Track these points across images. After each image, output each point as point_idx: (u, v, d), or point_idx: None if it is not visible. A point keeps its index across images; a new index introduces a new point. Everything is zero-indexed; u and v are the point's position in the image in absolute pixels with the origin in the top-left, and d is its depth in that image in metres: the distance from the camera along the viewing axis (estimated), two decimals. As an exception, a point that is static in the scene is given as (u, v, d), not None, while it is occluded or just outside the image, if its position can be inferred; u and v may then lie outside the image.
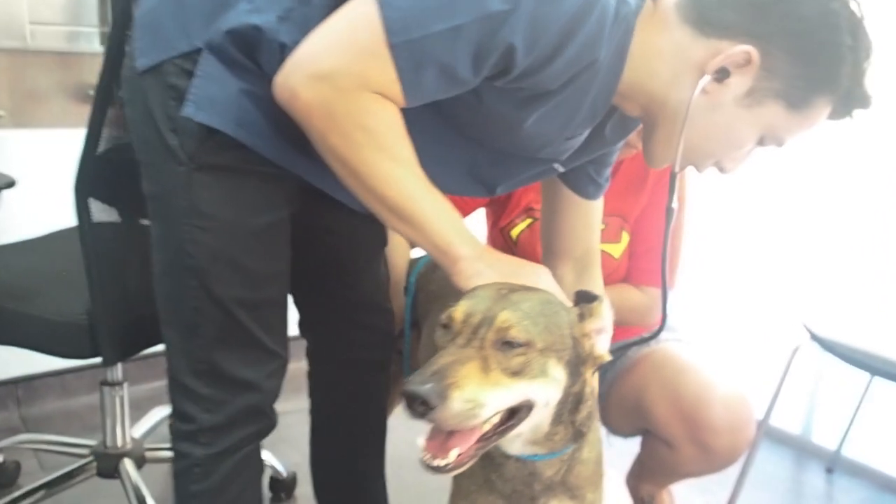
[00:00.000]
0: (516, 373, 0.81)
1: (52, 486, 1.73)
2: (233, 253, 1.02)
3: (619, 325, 1.65)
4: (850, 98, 0.95)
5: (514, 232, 1.67)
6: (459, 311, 0.85)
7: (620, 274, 1.66)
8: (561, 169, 1.16)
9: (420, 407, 0.74)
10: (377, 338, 1.38)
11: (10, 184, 1.27)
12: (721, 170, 1.05)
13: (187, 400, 1.08)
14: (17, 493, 1.73)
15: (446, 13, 0.82)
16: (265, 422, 1.11)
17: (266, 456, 1.89)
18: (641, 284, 1.65)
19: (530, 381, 0.82)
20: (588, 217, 1.28)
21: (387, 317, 1.39)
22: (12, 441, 1.89)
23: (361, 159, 0.89)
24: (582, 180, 1.24)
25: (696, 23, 0.93)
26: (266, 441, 1.16)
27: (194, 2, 0.98)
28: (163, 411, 2.00)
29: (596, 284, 1.32)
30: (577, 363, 0.87)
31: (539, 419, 0.88)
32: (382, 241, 1.35)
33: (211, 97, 0.97)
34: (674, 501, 1.78)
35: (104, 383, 1.69)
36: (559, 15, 0.84)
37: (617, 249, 1.64)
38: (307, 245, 1.22)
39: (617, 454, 1.70)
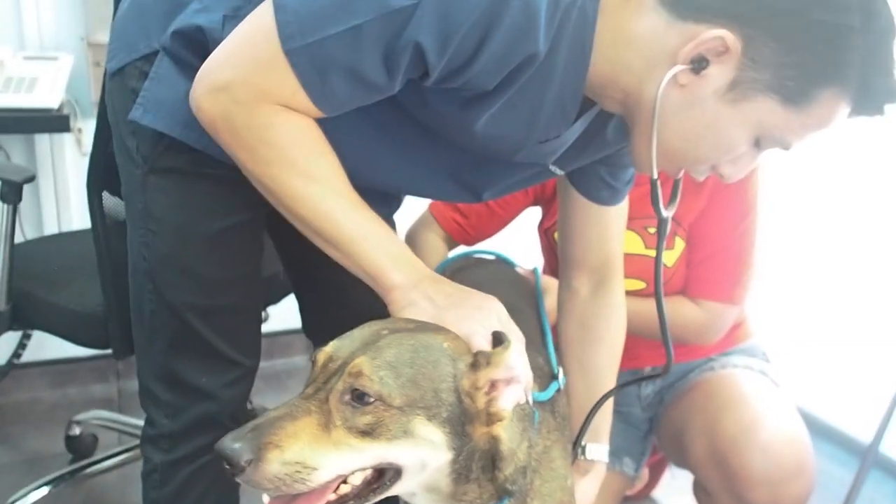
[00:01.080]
0: (367, 432, 0.69)
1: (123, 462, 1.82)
2: (183, 258, 0.99)
3: (674, 343, 1.51)
4: (869, 90, 0.76)
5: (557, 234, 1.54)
6: (323, 353, 0.74)
7: (675, 285, 1.47)
8: (559, 171, 1.03)
9: (230, 467, 0.64)
10: None
11: (31, 178, 1.33)
12: (720, 176, 0.88)
13: (151, 404, 1.07)
14: (84, 462, 1.84)
15: (344, 13, 0.73)
16: (218, 433, 1.07)
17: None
18: (699, 297, 1.46)
19: (389, 443, 0.70)
20: (604, 225, 1.13)
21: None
22: (87, 416, 2.01)
23: (270, 176, 0.82)
24: (593, 184, 1.10)
25: (672, 4, 0.78)
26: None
27: (153, 3, 0.96)
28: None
29: (615, 299, 1.18)
30: (462, 421, 0.73)
31: (427, 481, 0.76)
32: None
33: (159, 100, 0.94)
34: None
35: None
36: (470, 9, 0.73)
37: (670, 257, 1.46)
38: (299, 245, 1.17)
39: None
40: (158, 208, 0.98)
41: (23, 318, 1.44)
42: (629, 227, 1.45)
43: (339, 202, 0.83)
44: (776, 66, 0.76)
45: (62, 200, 2.13)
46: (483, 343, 0.78)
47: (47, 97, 1.84)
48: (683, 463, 1.47)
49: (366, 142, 0.94)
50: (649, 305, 1.44)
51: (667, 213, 0.92)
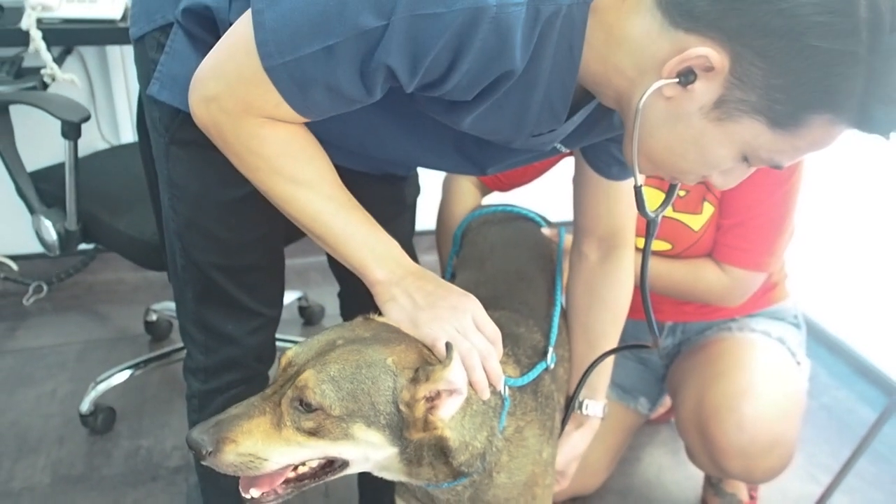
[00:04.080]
0: (312, 433, 0.79)
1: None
2: (204, 223, 1.07)
3: (696, 303, 1.52)
4: (871, 119, 0.71)
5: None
6: (285, 357, 0.83)
7: (702, 248, 1.47)
8: (564, 149, 1.03)
9: (195, 453, 0.77)
10: None
11: (87, 117, 1.42)
12: (713, 185, 0.86)
13: (189, 341, 1.20)
14: (161, 351, 2.06)
15: (319, 33, 0.75)
16: (246, 372, 1.20)
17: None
18: (725, 263, 1.45)
19: (333, 442, 0.80)
20: (614, 199, 1.14)
21: None
22: (161, 306, 2.23)
23: (260, 181, 0.88)
24: (603, 160, 1.10)
25: (667, 9, 0.74)
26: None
27: None
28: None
29: (622, 267, 1.19)
30: (401, 428, 0.82)
31: (378, 465, 0.86)
32: (400, 201, 1.31)
33: (174, 75, 0.98)
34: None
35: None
36: (439, 32, 0.73)
37: (697, 221, 1.45)
38: None
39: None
40: (179, 177, 1.05)
41: (91, 236, 1.60)
42: (658, 188, 1.45)
43: (326, 205, 0.89)
44: (764, 88, 0.71)
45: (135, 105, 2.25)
46: (442, 350, 0.84)
47: (109, 7, 1.88)
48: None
49: (370, 120, 0.96)
50: (673, 266, 1.46)
51: (654, 215, 0.93)
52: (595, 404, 1.23)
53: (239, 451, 0.78)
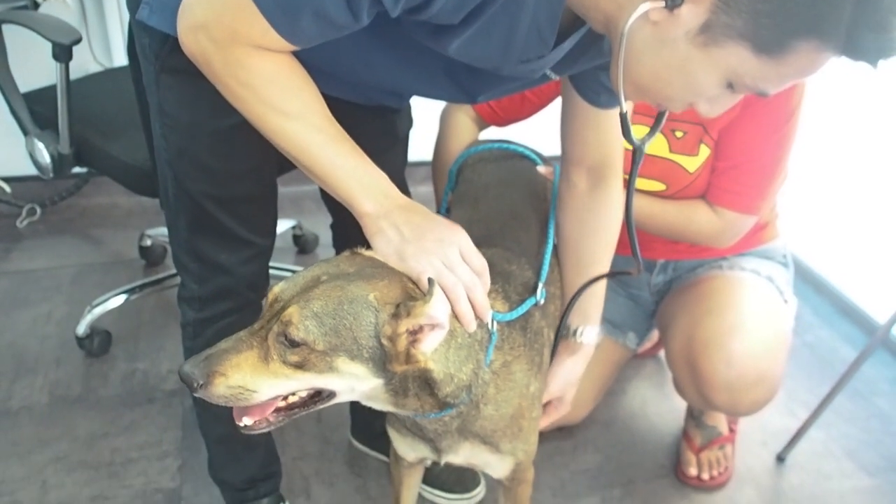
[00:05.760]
0: (298, 366, 0.81)
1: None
2: (195, 153, 1.07)
3: (688, 244, 1.54)
4: (858, 46, 0.70)
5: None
6: (272, 292, 0.85)
7: (696, 189, 1.48)
8: (554, 76, 1.02)
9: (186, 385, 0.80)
10: None
11: (78, 40, 1.40)
12: (699, 112, 0.86)
13: (182, 270, 1.21)
14: (155, 277, 2.08)
15: None
16: (239, 301, 1.21)
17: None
18: (718, 205, 1.46)
19: (318, 374, 0.82)
20: (603, 128, 1.14)
21: None
22: (155, 231, 2.23)
23: (248, 111, 0.88)
24: (592, 88, 1.09)
25: None
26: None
27: None
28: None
29: (612, 197, 1.19)
30: (384, 361, 0.84)
31: (365, 395, 0.88)
32: (393, 134, 1.30)
33: (164, 0, 0.96)
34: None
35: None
36: None
37: (692, 163, 1.45)
38: None
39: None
40: (170, 106, 1.04)
41: (85, 160, 1.59)
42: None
43: (314, 137, 0.88)
44: (751, 13, 0.70)
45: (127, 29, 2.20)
46: (426, 284, 0.86)
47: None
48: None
49: (359, 46, 0.96)
50: (666, 207, 1.47)
51: (640, 143, 0.93)
52: (589, 330, 1.23)
53: (228, 383, 0.80)
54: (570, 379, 1.24)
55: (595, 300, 1.23)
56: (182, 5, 0.85)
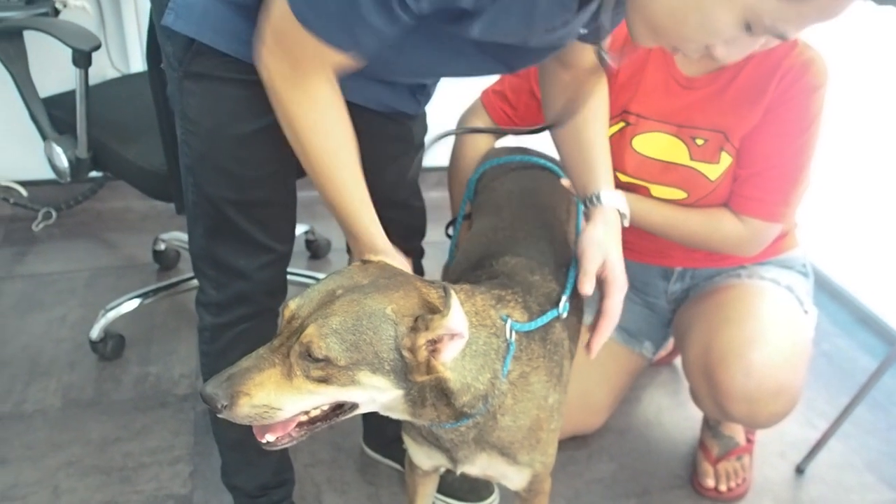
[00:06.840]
0: (322, 380, 0.81)
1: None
2: (217, 158, 1.07)
3: (705, 252, 1.52)
4: None
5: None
6: (289, 309, 0.84)
7: (717, 197, 1.46)
8: (584, 31, 1.00)
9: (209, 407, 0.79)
10: (398, 230, 1.36)
11: (98, 46, 1.40)
12: (713, 58, 0.85)
13: (201, 275, 1.20)
14: (170, 281, 2.08)
15: None
16: (257, 306, 1.21)
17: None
18: (742, 213, 1.44)
19: (342, 388, 0.82)
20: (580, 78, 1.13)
21: (410, 212, 1.37)
22: (169, 236, 2.23)
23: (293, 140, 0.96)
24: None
25: None
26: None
27: None
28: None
29: (596, 103, 1.14)
30: (405, 372, 0.83)
31: (384, 406, 0.88)
32: (408, 140, 1.29)
33: (188, 5, 0.97)
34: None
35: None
36: None
37: (714, 171, 1.43)
38: None
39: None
40: (192, 111, 1.05)
41: (101, 164, 1.59)
42: (676, 136, 1.42)
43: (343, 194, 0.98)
44: None
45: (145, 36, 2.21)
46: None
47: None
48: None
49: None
50: (689, 216, 1.45)
51: (610, 60, 0.93)
52: (608, 194, 1.11)
53: (253, 402, 0.79)
54: (593, 244, 1.08)
55: (600, 163, 1.15)
56: (256, 34, 0.90)
